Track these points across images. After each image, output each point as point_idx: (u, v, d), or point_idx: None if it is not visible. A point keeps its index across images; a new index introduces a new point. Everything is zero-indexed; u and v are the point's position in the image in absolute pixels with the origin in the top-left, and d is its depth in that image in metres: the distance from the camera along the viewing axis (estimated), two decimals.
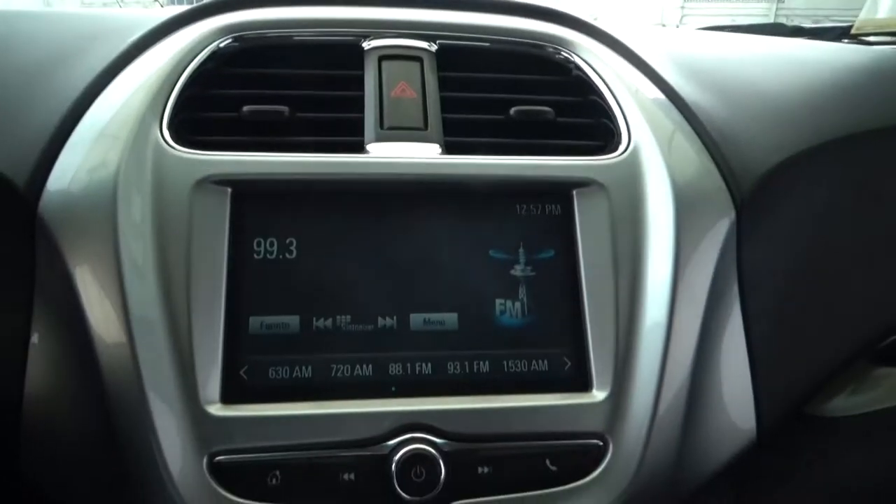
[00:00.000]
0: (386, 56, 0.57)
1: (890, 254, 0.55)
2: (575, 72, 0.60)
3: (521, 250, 0.51)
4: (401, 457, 0.44)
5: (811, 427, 0.56)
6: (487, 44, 0.61)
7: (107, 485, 0.44)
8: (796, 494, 0.55)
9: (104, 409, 0.44)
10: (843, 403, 0.57)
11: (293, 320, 0.48)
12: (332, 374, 0.47)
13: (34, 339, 0.46)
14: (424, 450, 0.44)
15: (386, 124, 0.54)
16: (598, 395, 0.48)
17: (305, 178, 0.50)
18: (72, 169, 0.49)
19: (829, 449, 0.56)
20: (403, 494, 0.43)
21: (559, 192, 0.52)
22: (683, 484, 0.48)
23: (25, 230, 0.47)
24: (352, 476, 0.44)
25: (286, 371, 0.47)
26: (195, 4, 0.64)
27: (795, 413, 0.56)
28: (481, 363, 0.48)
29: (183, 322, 0.45)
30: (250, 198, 0.49)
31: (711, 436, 0.50)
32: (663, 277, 0.49)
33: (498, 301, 0.50)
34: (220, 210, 0.49)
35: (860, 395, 0.58)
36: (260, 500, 0.43)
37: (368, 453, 0.45)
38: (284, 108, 0.53)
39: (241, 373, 0.46)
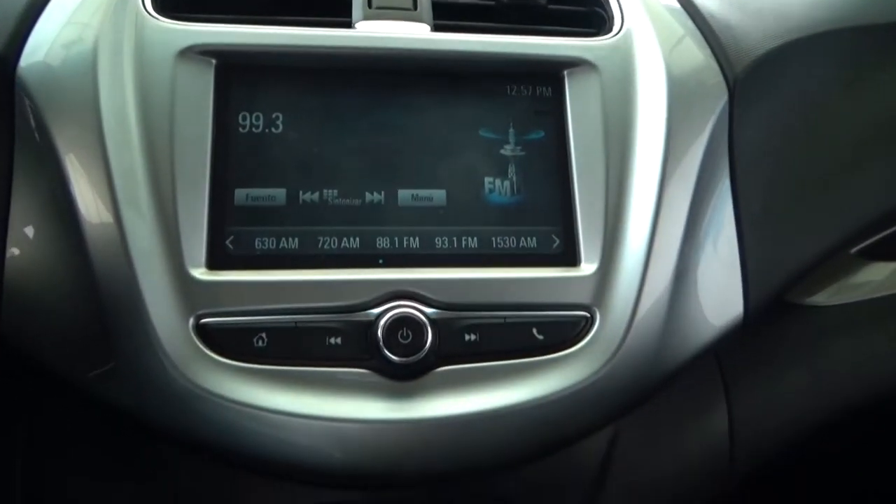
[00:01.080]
0: None
1: (879, 145, 0.55)
2: None
3: (510, 130, 0.51)
4: (387, 320, 0.44)
5: (797, 316, 0.57)
6: None
7: (92, 346, 0.44)
8: (780, 379, 0.56)
9: (89, 274, 0.44)
10: (830, 294, 0.58)
11: (279, 193, 0.47)
12: (319, 245, 0.47)
13: (16, 207, 0.45)
14: (411, 314, 0.44)
15: (374, 4, 0.53)
16: (587, 269, 0.47)
17: (293, 51, 0.49)
18: (49, 37, 0.48)
19: (814, 336, 0.57)
20: (390, 355, 0.43)
21: (549, 72, 0.51)
22: (668, 360, 0.48)
23: (4, 98, 0.46)
24: (338, 340, 0.44)
25: (272, 242, 0.46)
26: None
27: (782, 298, 0.56)
28: (469, 239, 0.48)
29: (167, 192, 0.45)
30: (236, 70, 0.48)
31: (698, 314, 0.50)
32: (654, 156, 0.49)
33: (487, 179, 0.49)
34: (205, 82, 0.48)
35: (847, 287, 0.58)
36: (246, 361, 0.43)
37: (355, 319, 0.44)
38: None
39: (227, 242, 0.46)
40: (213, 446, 0.43)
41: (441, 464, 0.44)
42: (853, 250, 0.60)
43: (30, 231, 0.45)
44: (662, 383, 0.48)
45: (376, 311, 0.45)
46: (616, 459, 0.51)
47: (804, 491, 0.69)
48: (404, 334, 0.43)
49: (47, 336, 0.44)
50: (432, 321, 0.44)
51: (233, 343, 0.43)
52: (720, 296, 0.51)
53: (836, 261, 0.60)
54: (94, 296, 0.43)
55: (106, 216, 0.44)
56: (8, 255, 0.44)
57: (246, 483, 0.47)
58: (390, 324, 0.43)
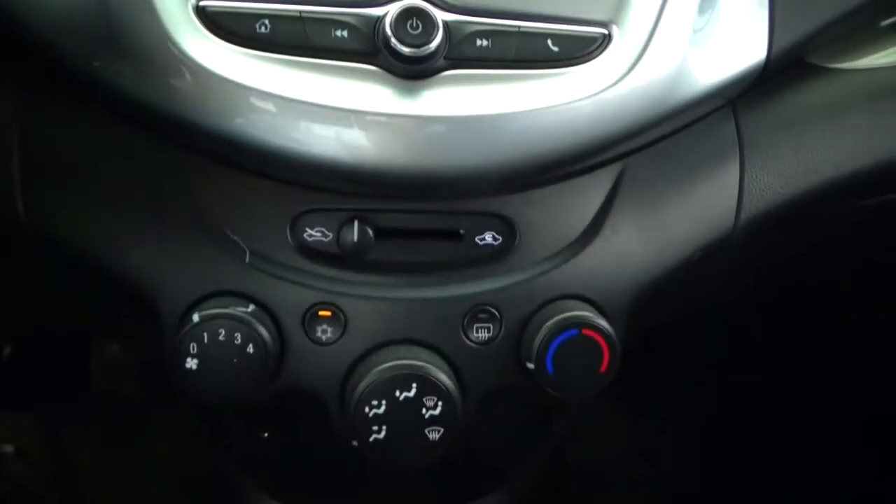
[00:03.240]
0: None
1: None
2: None
3: None
4: (398, 10, 0.41)
5: (818, 78, 0.55)
6: None
7: (94, 29, 0.42)
8: (794, 141, 0.55)
9: None
10: (853, 59, 0.56)
11: None
12: None
13: None
14: (422, 6, 0.42)
15: None
16: None
17: None
18: None
19: (833, 100, 0.55)
20: (398, 45, 0.41)
21: None
22: (685, 89, 0.47)
23: None
24: (344, 33, 0.42)
25: None
26: None
27: (804, 59, 0.54)
28: None
29: None
30: None
31: (719, 49, 0.48)
32: None
33: None
34: None
35: (871, 56, 0.56)
36: (248, 47, 0.42)
37: (364, 13, 0.42)
38: None
39: None
40: (211, 133, 0.42)
41: (445, 166, 0.44)
42: (883, 23, 0.58)
43: None
44: (677, 112, 0.47)
45: (387, 7, 0.42)
46: (622, 192, 0.50)
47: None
48: (414, 24, 0.41)
49: (52, 14, 0.42)
50: (444, 21, 0.42)
51: (234, 26, 0.41)
52: (744, 33, 0.48)
53: (863, 31, 0.57)
54: None
55: None
56: None
57: (244, 181, 0.46)
58: (400, 13, 0.41)
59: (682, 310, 0.71)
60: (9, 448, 1.16)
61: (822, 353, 1.22)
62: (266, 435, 0.69)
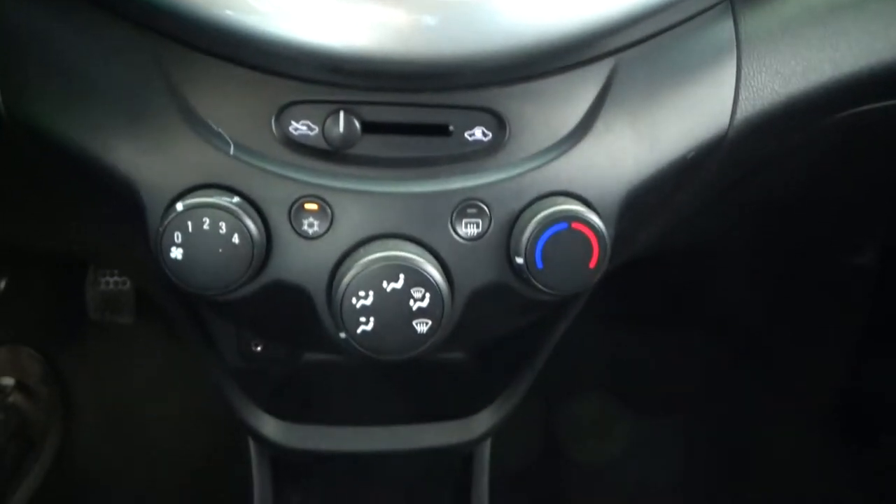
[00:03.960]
0: None
1: None
2: None
3: None
4: None
5: None
6: None
7: None
8: (794, 39, 0.53)
9: None
10: None
11: None
12: None
13: None
14: None
15: None
16: None
17: None
18: None
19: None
20: None
21: None
22: None
23: None
24: None
25: None
26: None
27: None
28: None
29: None
30: None
31: None
32: None
33: None
34: None
35: None
36: None
37: None
38: None
39: None
40: (194, 20, 0.42)
41: (434, 54, 0.43)
42: None
43: None
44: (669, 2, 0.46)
45: None
46: (615, 89, 0.49)
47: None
48: None
49: None
50: None
51: None
52: None
53: None
54: None
55: None
56: None
57: (228, 72, 0.45)
58: None
59: (668, 230, 0.70)
60: (9, 381, 1.18)
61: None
62: (258, 349, 0.70)
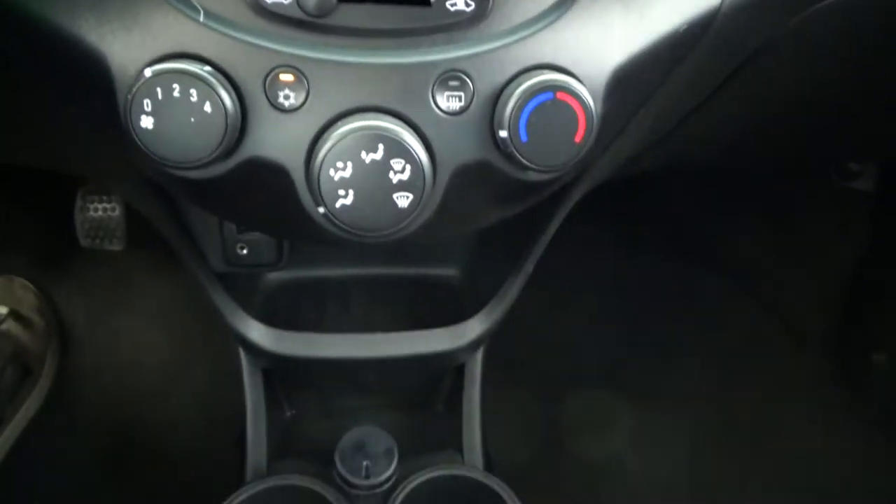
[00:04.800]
0: None
1: None
2: None
3: None
4: None
5: None
6: None
7: None
8: None
9: None
10: None
11: None
12: None
13: None
14: None
15: None
16: None
17: None
18: None
19: None
20: None
21: None
22: None
23: None
24: None
25: None
26: None
27: None
28: None
29: None
30: None
31: None
32: None
33: None
34: None
35: None
36: None
37: None
38: None
39: None
40: None
41: None
42: None
43: None
44: None
45: None
46: None
47: None
48: None
49: None
50: None
51: None
52: None
53: None
54: None
55: None
56: None
57: None
58: None
59: (664, 140, 0.68)
60: (2, 309, 1.18)
61: None
62: (244, 252, 0.69)
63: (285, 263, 0.72)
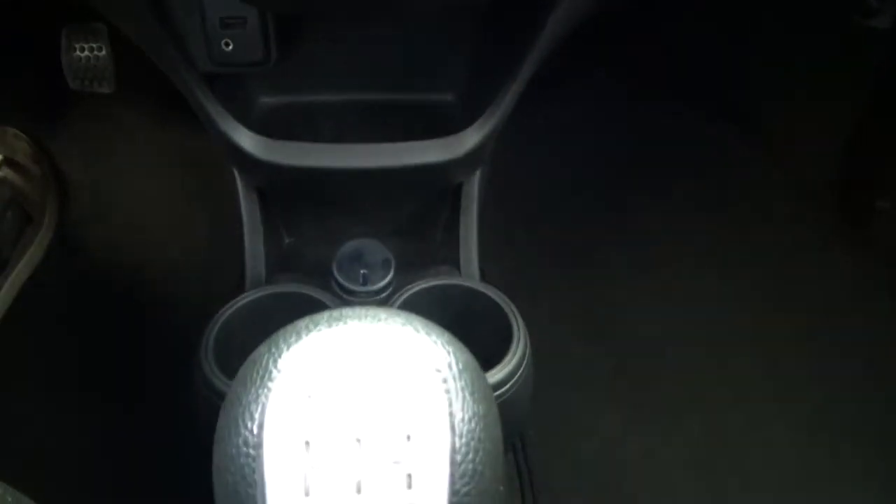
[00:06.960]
0: None
1: None
2: None
3: None
4: None
5: None
6: None
7: None
8: None
9: None
10: None
11: None
12: None
13: None
14: None
15: None
16: None
17: None
18: None
19: None
20: None
21: None
22: None
23: None
24: None
25: None
26: None
27: None
28: None
29: None
30: None
31: None
32: None
33: None
34: None
35: None
36: None
37: None
38: None
39: None
40: None
41: None
42: None
43: None
44: None
45: None
46: None
47: None
48: None
49: None
50: None
51: None
52: None
53: None
54: None
55: None
56: None
57: None
58: None
59: None
60: None
61: None
62: (230, 48, 0.67)
63: (274, 63, 0.69)
